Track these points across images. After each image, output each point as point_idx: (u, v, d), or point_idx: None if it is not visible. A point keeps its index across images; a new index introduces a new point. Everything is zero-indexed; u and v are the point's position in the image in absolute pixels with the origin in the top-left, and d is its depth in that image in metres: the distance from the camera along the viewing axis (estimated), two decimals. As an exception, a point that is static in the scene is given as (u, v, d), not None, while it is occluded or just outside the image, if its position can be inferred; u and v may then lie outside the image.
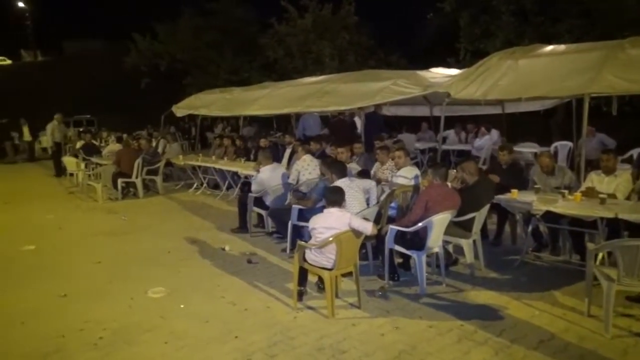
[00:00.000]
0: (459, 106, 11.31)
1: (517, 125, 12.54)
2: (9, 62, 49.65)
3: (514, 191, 5.44)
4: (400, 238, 5.03)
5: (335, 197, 4.53)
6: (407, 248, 5.00)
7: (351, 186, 5.33)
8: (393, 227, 5.01)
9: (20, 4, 53.10)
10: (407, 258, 5.39)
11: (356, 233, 4.39)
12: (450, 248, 5.68)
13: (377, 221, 5.50)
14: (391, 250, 5.11)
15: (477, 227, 5.31)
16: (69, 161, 12.58)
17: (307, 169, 7.34)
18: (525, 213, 5.64)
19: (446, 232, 5.18)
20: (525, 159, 9.99)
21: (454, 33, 14.74)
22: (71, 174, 12.59)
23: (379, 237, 5.27)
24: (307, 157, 7.56)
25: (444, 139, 12.91)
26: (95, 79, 37.49)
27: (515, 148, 10.52)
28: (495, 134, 10.92)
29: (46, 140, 17.31)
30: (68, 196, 11.03)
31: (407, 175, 6.03)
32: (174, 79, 24.52)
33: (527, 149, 10.30)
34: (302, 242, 4.59)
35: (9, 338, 4.13)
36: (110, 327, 4.28)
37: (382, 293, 4.84)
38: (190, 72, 24.41)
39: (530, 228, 5.58)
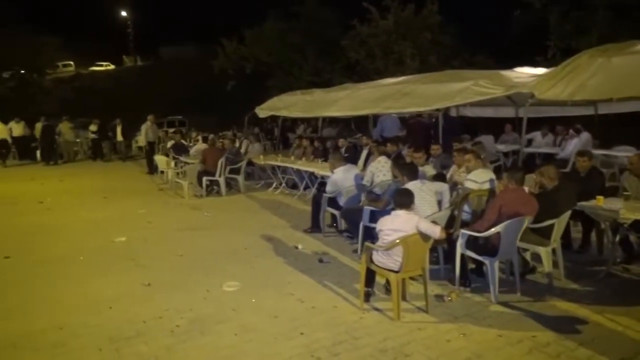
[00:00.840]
0: (548, 107, 10.78)
1: (612, 127, 11.71)
2: (112, 67, 53.81)
3: (599, 198, 5.11)
4: (472, 243, 4.91)
5: (403, 200, 4.49)
6: (479, 254, 4.86)
7: (422, 189, 5.27)
8: (464, 232, 4.90)
9: (123, 13, 57.24)
10: (480, 264, 5.22)
11: (424, 236, 4.34)
12: (527, 256, 5.44)
13: (450, 225, 5.40)
14: (463, 255, 4.99)
15: (556, 235, 5.04)
16: (160, 159, 13.42)
17: (381, 170, 7.31)
18: (612, 222, 5.27)
19: (523, 239, 4.98)
20: (620, 164, 9.32)
21: (543, 30, 14.00)
22: (162, 172, 13.41)
23: (451, 242, 5.18)
24: (382, 159, 7.54)
25: (530, 142, 12.36)
26: (188, 82, 39.70)
27: (610, 152, 9.91)
28: (585, 136, 10.24)
29: (141, 139, 18.56)
30: (158, 192, 11.77)
31: (476, 179, 5.82)
32: (258, 81, 25.37)
33: (622, 153, 9.58)
34: (369, 244, 4.61)
35: (97, 320, 4.51)
36: (187, 316, 4.55)
37: (450, 298, 4.74)
38: (274, 74, 25.14)
39: (617, 238, 5.21)
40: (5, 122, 18.46)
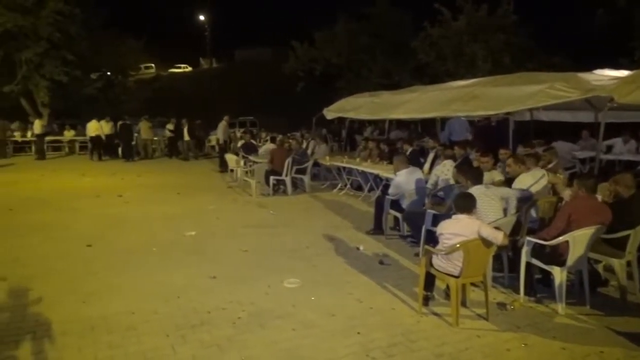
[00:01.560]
0: (631, 112, 10.14)
1: None
2: (190, 69, 56.28)
3: (682, 209, 4.77)
4: (538, 251, 4.75)
5: (465, 204, 4.42)
6: (546, 263, 4.69)
7: (487, 194, 5.15)
8: (530, 239, 4.74)
9: (201, 17, 59.75)
10: (547, 273, 5.02)
11: (486, 242, 4.25)
12: (600, 267, 5.19)
13: (516, 232, 5.25)
14: (528, 264, 4.84)
15: (632, 247, 4.76)
16: (230, 158, 13.92)
17: (446, 174, 7.24)
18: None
19: (595, 250, 4.76)
20: None
21: (628, 30, 13.14)
22: (232, 170, 13.89)
23: (516, 249, 5.04)
24: (448, 163, 7.45)
25: (610, 148, 11.69)
26: (259, 83, 40.80)
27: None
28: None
29: (215, 138, 19.25)
30: (227, 190, 12.20)
31: (522, 186, 5.60)
32: (327, 83, 25.63)
33: None
34: (429, 247, 4.57)
35: (166, 308, 4.78)
36: (248, 309, 4.72)
37: (513, 307, 4.60)
38: (343, 76, 25.29)
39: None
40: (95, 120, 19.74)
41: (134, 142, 20.22)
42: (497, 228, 4.41)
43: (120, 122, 19.82)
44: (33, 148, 21.45)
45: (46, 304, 4.91)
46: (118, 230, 8.03)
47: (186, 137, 20.24)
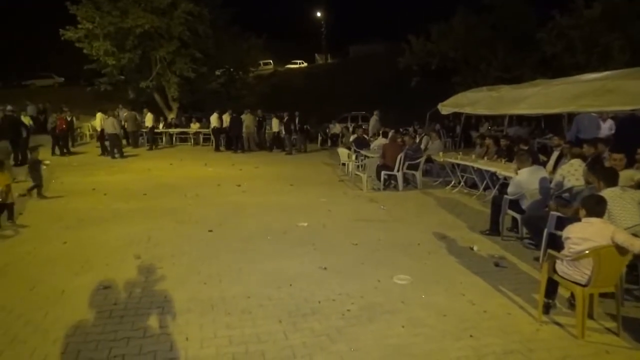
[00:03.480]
0: None
1: None
2: (305, 64, 57.79)
3: None
4: (684, 264, 4.22)
5: (597, 206, 4.05)
6: (693, 277, 4.16)
7: (622, 197, 4.67)
8: (674, 250, 4.22)
9: (318, 14, 61.08)
10: (693, 290, 4.47)
11: (620, 249, 3.86)
12: None
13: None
14: (670, 277, 4.33)
15: None
16: (342, 152, 14.08)
17: (573, 174, 6.70)
18: None
19: None
20: None
21: None
22: (343, 164, 14.04)
23: (655, 260, 4.52)
24: (576, 162, 6.89)
25: None
26: (373, 78, 40.66)
27: None
28: None
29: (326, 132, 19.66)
30: (338, 183, 12.35)
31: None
32: (443, 78, 24.94)
33: None
34: (553, 252, 4.26)
35: (279, 294, 4.97)
36: (357, 302, 4.75)
37: (650, 324, 4.15)
38: (460, 70, 24.45)
39: None
40: (217, 114, 20.97)
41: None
42: (634, 235, 3.99)
43: (231, 115, 20.70)
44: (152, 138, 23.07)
45: (172, 282, 5.34)
46: (236, 217, 8.49)
47: (276, 128, 20.77)
